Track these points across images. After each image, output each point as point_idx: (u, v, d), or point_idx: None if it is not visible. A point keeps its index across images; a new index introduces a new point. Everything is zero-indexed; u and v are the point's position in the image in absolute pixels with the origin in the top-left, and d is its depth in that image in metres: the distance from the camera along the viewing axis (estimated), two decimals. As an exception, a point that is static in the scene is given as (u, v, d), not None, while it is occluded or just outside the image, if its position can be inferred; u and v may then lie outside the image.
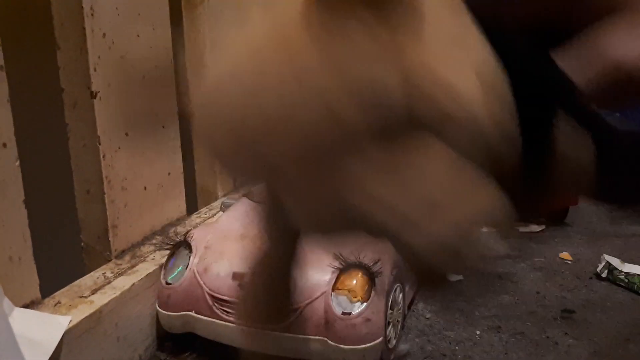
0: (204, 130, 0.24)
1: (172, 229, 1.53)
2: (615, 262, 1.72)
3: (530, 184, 0.27)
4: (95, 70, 1.25)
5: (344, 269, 1.15)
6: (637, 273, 1.68)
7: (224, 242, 1.29)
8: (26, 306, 1.05)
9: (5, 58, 1.00)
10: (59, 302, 1.12)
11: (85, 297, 1.15)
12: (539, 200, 0.31)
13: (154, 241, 1.46)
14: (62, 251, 1.45)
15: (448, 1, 0.24)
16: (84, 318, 1.08)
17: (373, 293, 1.12)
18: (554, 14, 0.25)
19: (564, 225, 2.27)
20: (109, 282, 1.22)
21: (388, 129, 0.21)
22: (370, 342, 1.12)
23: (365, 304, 1.11)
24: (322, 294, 1.14)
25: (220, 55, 0.24)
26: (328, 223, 0.25)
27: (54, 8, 1.24)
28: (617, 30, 0.24)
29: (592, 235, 2.17)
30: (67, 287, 1.19)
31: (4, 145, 1.00)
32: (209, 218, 1.69)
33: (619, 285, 1.68)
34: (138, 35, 1.41)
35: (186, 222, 1.64)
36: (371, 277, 1.14)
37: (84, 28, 1.22)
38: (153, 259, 1.36)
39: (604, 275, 1.73)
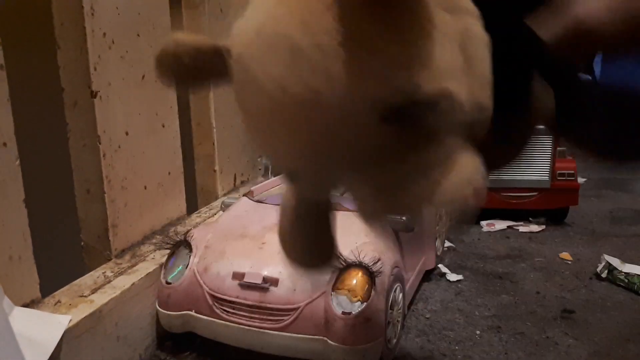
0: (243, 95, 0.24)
1: (172, 229, 1.53)
2: (615, 262, 1.72)
3: (504, 139, 0.29)
4: (95, 69, 1.25)
5: (344, 269, 1.15)
6: (637, 273, 1.68)
7: (224, 242, 1.29)
8: (26, 305, 1.05)
9: (5, 58, 1.00)
10: (59, 302, 1.12)
11: (85, 296, 1.15)
12: (513, 153, 0.33)
13: (154, 240, 1.46)
14: (62, 251, 1.45)
15: None
16: (84, 317, 1.08)
17: (373, 293, 1.12)
18: None
19: (564, 225, 2.27)
20: (109, 282, 1.23)
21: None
22: (370, 342, 1.12)
23: (365, 303, 1.11)
24: (322, 293, 1.14)
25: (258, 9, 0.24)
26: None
27: (54, 8, 1.24)
28: None
29: (592, 235, 2.17)
30: (67, 287, 1.20)
31: (4, 144, 1.00)
32: (209, 218, 1.69)
33: (619, 286, 1.68)
34: (138, 35, 1.41)
35: (186, 221, 1.65)
36: (371, 277, 1.14)
37: (84, 28, 1.22)
38: (153, 258, 1.36)
39: (604, 275, 1.73)
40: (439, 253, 1.75)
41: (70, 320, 1.04)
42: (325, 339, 1.12)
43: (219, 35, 0.26)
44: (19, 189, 1.03)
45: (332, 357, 1.12)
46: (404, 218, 1.36)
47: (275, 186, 1.69)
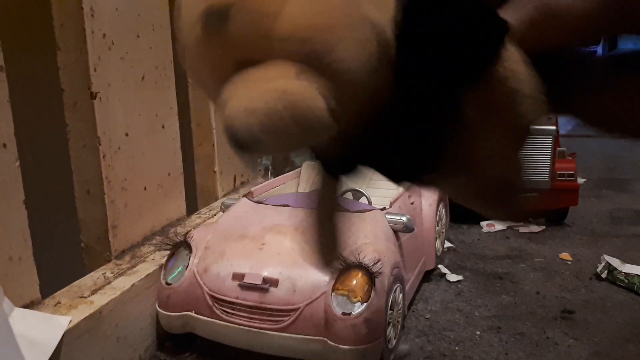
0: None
1: (172, 229, 1.53)
2: (615, 262, 1.72)
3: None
4: (95, 70, 1.26)
5: (343, 270, 1.15)
6: (637, 273, 1.68)
7: (224, 243, 1.29)
8: (26, 306, 1.05)
9: (5, 58, 1.00)
10: (59, 302, 1.12)
11: (85, 297, 1.15)
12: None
13: (153, 241, 1.46)
14: (62, 251, 1.45)
15: None
16: (84, 318, 1.08)
17: (373, 293, 1.12)
18: None
19: (564, 225, 2.27)
20: (109, 283, 1.23)
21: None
22: (370, 342, 1.12)
23: (365, 304, 1.11)
24: (322, 294, 1.14)
25: None
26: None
27: (54, 8, 1.24)
28: None
29: (592, 235, 2.17)
30: (67, 288, 1.19)
31: (4, 145, 1.00)
32: (209, 218, 1.69)
33: (619, 286, 1.68)
34: (138, 36, 1.41)
35: (186, 222, 1.64)
36: (371, 277, 1.13)
37: (84, 29, 1.22)
38: (153, 259, 1.36)
39: (603, 275, 1.73)
40: (438, 253, 1.75)
41: (70, 321, 1.04)
42: (325, 339, 1.12)
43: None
44: (18, 190, 1.03)
45: (332, 358, 1.12)
46: (404, 218, 1.36)
47: (275, 187, 1.69)
